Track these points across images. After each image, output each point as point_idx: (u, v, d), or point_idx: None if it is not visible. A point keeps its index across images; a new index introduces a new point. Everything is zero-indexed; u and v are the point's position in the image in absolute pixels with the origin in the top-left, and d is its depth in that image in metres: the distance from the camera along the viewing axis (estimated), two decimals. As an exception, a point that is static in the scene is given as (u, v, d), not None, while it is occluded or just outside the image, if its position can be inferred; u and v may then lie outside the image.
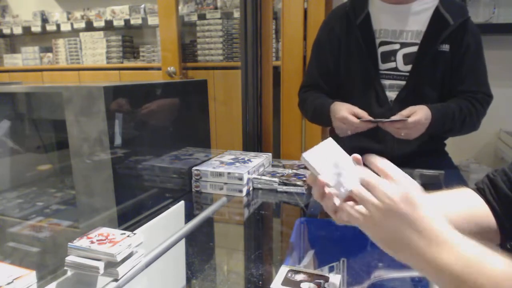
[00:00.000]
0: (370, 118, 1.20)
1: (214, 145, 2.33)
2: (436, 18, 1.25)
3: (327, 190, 0.61)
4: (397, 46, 1.29)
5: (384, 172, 0.55)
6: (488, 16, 2.12)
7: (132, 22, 2.95)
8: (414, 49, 1.26)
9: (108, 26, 3.05)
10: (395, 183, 0.52)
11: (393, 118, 1.18)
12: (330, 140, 0.68)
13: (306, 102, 1.44)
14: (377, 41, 1.30)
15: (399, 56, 1.29)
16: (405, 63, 1.28)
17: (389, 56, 1.29)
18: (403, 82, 1.28)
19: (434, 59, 1.25)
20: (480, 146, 2.27)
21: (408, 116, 1.17)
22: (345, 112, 1.22)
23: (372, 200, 0.52)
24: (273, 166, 1.32)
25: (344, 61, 1.36)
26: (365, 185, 0.55)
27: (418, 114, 1.16)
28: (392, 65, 1.29)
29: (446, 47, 1.25)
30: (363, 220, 0.54)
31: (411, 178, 0.54)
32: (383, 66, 1.30)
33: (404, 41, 1.28)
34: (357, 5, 1.33)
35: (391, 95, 1.30)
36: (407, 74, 1.27)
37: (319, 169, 0.64)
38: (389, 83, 1.30)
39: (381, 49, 1.30)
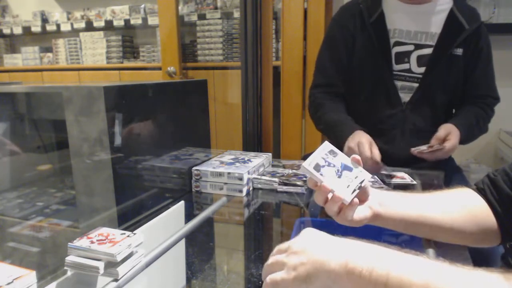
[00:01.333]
0: (379, 161, 1.13)
1: (214, 145, 2.33)
2: (451, 21, 1.24)
3: (335, 193, 0.63)
4: (411, 47, 1.27)
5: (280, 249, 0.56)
6: (488, 16, 2.12)
7: (132, 22, 2.95)
8: (429, 51, 1.25)
9: (108, 26, 3.05)
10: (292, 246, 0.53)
11: (432, 146, 1.18)
12: (326, 144, 0.68)
13: (323, 108, 1.35)
14: (392, 41, 1.28)
15: (413, 57, 1.27)
16: (419, 65, 1.26)
17: (403, 57, 1.28)
18: (416, 84, 1.27)
19: (448, 62, 1.25)
20: (480, 146, 2.27)
21: (444, 138, 1.18)
22: (365, 140, 1.16)
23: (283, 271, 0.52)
24: (273, 166, 1.32)
25: (358, 60, 1.32)
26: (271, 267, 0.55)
27: (453, 139, 1.18)
28: (405, 66, 1.27)
29: (459, 51, 1.25)
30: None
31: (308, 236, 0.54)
32: (396, 67, 1.28)
33: (419, 43, 1.26)
34: (370, 3, 1.30)
35: (403, 96, 1.29)
36: (420, 76, 1.26)
37: (322, 177, 0.64)
38: (401, 84, 1.29)
39: (395, 50, 1.28)
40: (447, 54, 1.24)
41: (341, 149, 1.29)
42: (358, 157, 0.67)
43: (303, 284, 0.50)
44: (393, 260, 0.47)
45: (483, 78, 1.29)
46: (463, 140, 1.24)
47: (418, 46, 1.27)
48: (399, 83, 1.29)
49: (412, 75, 1.27)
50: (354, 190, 0.64)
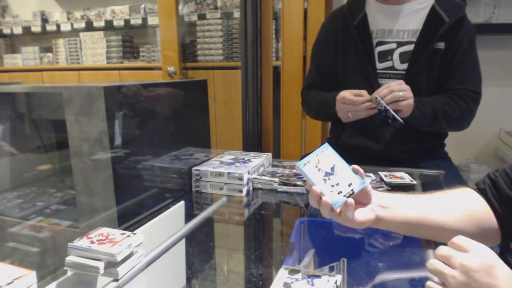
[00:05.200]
0: (368, 96, 1.19)
1: (214, 145, 2.33)
2: (432, 16, 1.25)
3: (323, 198, 0.62)
4: (393, 46, 1.29)
5: (459, 245, 0.52)
6: (488, 16, 2.12)
7: (132, 22, 2.95)
8: (410, 47, 1.27)
9: (108, 26, 3.05)
10: (472, 253, 0.50)
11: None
12: (326, 146, 0.67)
13: (310, 99, 1.45)
14: (374, 41, 1.31)
15: (396, 55, 1.29)
16: (401, 62, 1.29)
17: (386, 55, 1.30)
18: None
19: (430, 57, 1.25)
20: (480, 146, 2.27)
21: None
22: (346, 92, 1.24)
23: (450, 272, 0.50)
24: (273, 166, 1.32)
25: (342, 62, 1.37)
26: (441, 258, 0.52)
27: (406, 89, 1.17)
28: (388, 64, 1.30)
29: (441, 45, 1.26)
30: None
31: (487, 248, 0.52)
32: (380, 66, 1.31)
33: (401, 40, 1.29)
34: (354, 7, 1.34)
35: None
36: (404, 72, 1.28)
37: (314, 179, 0.63)
38: (386, 82, 1.30)
39: (378, 49, 1.31)
40: (429, 49, 1.25)
41: (341, 125, 1.31)
42: (357, 167, 0.66)
43: None
44: None
45: (458, 71, 1.27)
46: (417, 119, 1.19)
47: (400, 44, 1.29)
48: (384, 81, 1.30)
49: (396, 72, 1.30)
50: (345, 196, 0.62)
